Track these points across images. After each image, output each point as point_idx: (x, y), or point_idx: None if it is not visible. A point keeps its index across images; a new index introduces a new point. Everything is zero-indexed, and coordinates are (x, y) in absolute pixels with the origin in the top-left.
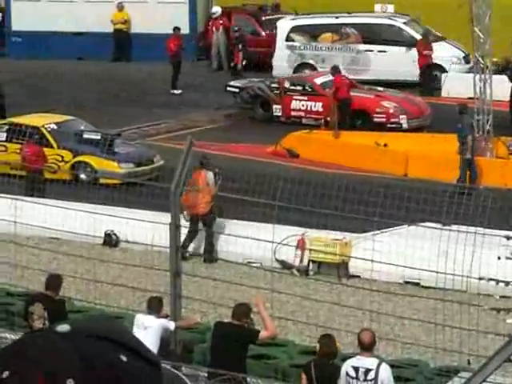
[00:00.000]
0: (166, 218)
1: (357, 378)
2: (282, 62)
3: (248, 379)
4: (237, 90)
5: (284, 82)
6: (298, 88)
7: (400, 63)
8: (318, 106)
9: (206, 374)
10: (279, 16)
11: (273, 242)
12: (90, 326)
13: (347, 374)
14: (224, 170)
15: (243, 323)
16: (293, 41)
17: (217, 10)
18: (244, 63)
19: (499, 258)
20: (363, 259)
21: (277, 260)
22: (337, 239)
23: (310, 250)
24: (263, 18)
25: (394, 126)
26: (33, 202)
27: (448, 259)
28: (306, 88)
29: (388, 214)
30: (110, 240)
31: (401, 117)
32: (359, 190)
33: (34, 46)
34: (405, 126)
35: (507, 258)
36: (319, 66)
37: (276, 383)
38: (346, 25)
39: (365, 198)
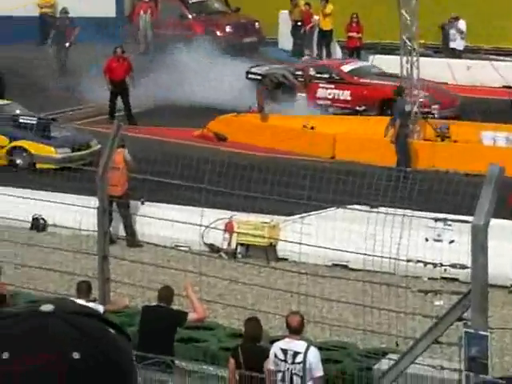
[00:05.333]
0: (95, 202)
1: (285, 360)
2: None
3: (176, 362)
4: (259, 77)
5: (309, 69)
6: (325, 76)
7: None
8: (345, 95)
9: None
10: None
11: (201, 226)
12: (65, 304)
13: (276, 355)
14: (151, 153)
15: (170, 306)
16: None
17: None
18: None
19: (427, 239)
20: (291, 242)
21: (205, 243)
22: (265, 222)
23: (238, 233)
24: (190, 1)
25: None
26: None
27: (376, 241)
28: (333, 76)
29: (316, 196)
30: (38, 224)
31: (433, 107)
32: (287, 173)
33: None
34: (437, 116)
35: (435, 240)
36: None
37: (205, 366)
38: None
39: (293, 181)
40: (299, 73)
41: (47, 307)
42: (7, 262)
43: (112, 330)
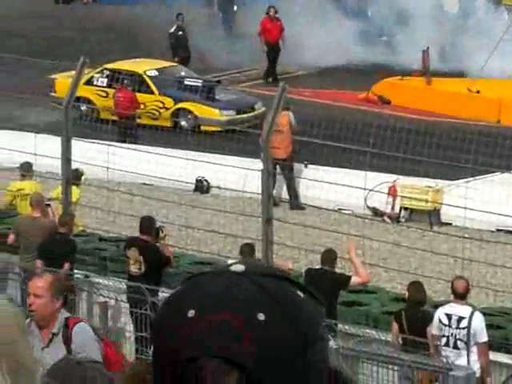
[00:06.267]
0: (258, 164)
1: (449, 325)
2: None
3: (339, 325)
4: None
5: None
6: None
7: None
8: None
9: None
10: None
11: (364, 189)
12: (256, 265)
13: (440, 320)
14: (316, 116)
15: (333, 269)
16: None
17: None
18: None
19: None
20: (455, 206)
21: (368, 207)
22: (429, 186)
23: (402, 196)
24: None
25: None
26: (125, 148)
27: None
28: None
29: (481, 161)
30: (202, 186)
31: None
32: (452, 137)
33: None
34: None
35: None
36: None
37: (367, 330)
38: None
39: (457, 145)
40: None
41: (238, 267)
42: (171, 223)
43: (302, 295)
